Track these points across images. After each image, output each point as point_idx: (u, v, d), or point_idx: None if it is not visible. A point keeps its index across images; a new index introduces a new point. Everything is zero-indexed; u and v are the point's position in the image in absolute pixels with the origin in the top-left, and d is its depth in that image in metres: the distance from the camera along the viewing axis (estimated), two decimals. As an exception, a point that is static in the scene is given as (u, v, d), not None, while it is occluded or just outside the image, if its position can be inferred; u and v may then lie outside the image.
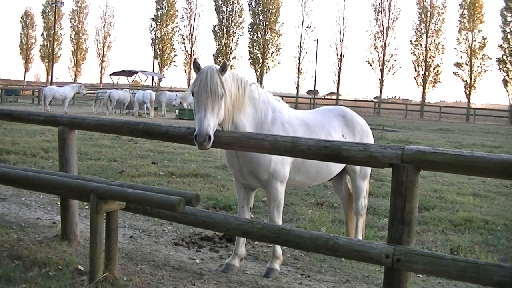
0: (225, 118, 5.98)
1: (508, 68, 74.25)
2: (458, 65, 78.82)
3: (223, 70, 5.87)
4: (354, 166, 7.25)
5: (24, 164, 13.51)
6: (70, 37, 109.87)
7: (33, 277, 5.91)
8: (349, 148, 4.99)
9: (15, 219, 8.62)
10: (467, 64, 77.92)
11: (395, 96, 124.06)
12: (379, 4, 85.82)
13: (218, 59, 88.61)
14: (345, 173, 7.58)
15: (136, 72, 57.08)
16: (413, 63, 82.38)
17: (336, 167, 7.21)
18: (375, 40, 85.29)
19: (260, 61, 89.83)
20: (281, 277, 6.67)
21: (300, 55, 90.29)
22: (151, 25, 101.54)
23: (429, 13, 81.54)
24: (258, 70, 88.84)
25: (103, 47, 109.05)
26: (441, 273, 4.54)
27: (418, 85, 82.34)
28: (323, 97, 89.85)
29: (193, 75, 6.20)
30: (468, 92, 78.02)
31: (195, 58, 6.24)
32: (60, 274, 6.01)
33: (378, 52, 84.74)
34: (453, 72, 79.45)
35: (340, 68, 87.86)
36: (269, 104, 6.53)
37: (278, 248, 6.73)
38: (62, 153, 7.46)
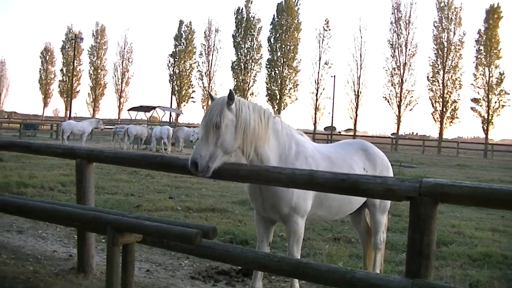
0: (246, 148, 5.96)
1: (525, 103, 74.18)
2: (475, 100, 78.75)
3: (230, 99, 5.91)
4: (374, 200, 7.21)
5: (41, 198, 13.52)
6: (89, 72, 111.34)
7: (49, 309, 5.90)
8: (366, 181, 4.96)
9: (31, 252, 8.64)
10: (484, 100, 77.84)
11: (413, 132, 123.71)
12: (396, 41, 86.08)
13: (236, 95, 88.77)
14: (364, 207, 7.52)
15: (154, 108, 57.40)
16: (430, 99, 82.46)
17: (358, 201, 7.17)
18: (392, 77, 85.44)
19: (278, 97, 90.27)
20: (298, 312, 6.61)
21: (317, 91, 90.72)
22: (169, 61, 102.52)
23: (445, 49, 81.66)
24: (276, 106, 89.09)
25: (121, 82, 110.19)
26: (460, 308, 4.49)
27: (435, 121, 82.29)
28: (339, 133, 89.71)
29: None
30: (485, 128, 77.78)
31: (209, 91, 6.34)
32: (76, 306, 6.00)
33: (395, 88, 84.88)
34: (471, 108, 79.41)
35: (357, 104, 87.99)
36: (292, 138, 6.50)
37: (296, 283, 6.66)
38: (79, 186, 7.49)
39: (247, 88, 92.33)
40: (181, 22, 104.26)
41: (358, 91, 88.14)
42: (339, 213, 7.14)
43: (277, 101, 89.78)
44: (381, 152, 7.70)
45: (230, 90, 6.01)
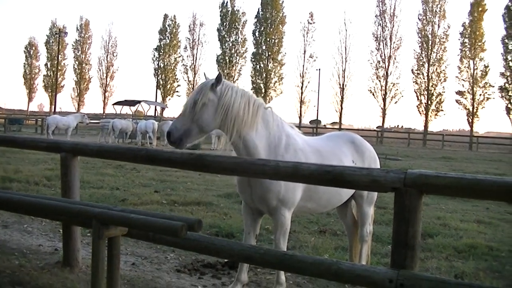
0: (228, 130, 6.16)
1: (510, 95, 74.46)
2: (460, 93, 79.10)
3: (217, 81, 6.11)
4: (361, 191, 7.25)
5: (26, 192, 13.45)
6: (74, 67, 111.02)
7: (34, 303, 5.88)
8: (352, 172, 4.96)
9: (17, 246, 8.61)
10: (469, 93, 78.25)
11: (398, 125, 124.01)
12: (380, 34, 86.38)
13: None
14: (351, 198, 7.56)
15: (139, 102, 57.10)
16: (415, 92, 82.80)
17: (347, 193, 7.22)
18: (377, 70, 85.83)
19: (263, 90, 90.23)
20: (284, 304, 6.62)
21: (302, 84, 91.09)
22: (154, 55, 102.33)
23: (430, 42, 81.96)
24: (261, 99, 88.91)
25: (106, 77, 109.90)
26: (446, 298, 4.50)
27: (420, 113, 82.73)
28: (324, 126, 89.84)
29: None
30: (470, 120, 78.16)
31: (204, 74, 6.47)
32: (62, 300, 5.98)
33: (380, 81, 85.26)
34: (456, 101, 79.77)
35: (342, 97, 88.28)
36: (283, 130, 6.56)
37: (282, 275, 6.68)
38: (64, 179, 7.45)
39: (232, 81, 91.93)
40: (165, 16, 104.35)
41: (343, 84, 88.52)
42: (328, 205, 7.19)
43: (262, 95, 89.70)
44: (369, 144, 7.78)
45: (219, 72, 6.22)
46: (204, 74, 6.50)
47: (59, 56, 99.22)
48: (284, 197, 6.32)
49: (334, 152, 7.06)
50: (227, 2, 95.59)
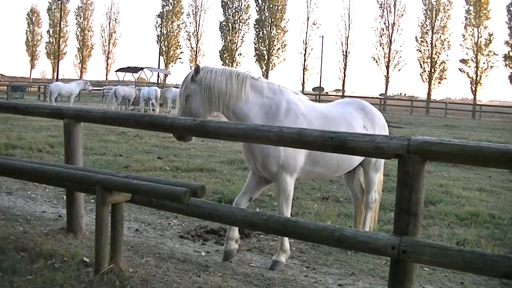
0: (218, 108, 6.56)
1: (514, 64, 74.08)
2: (464, 61, 78.55)
3: (196, 72, 6.48)
4: (369, 157, 7.26)
5: (30, 159, 13.47)
6: (76, 34, 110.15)
7: (38, 268, 5.92)
8: (355, 139, 4.94)
9: (21, 212, 8.66)
10: (473, 61, 77.59)
11: (401, 93, 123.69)
12: (385, 1, 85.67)
13: (224, 55, 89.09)
14: (359, 165, 7.58)
15: (142, 69, 56.90)
16: (419, 60, 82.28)
17: (357, 158, 7.24)
18: (381, 37, 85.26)
19: (266, 57, 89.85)
20: (287, 270, 6.67)
21: (305, 51, 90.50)
22: (157, 22, 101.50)
23: (434, 9, 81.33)
24: (264, 66, 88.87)
25: (109, 44, 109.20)
26: (448, 265, 4.51)
27: (423, 81, 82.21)
28: (327, 94, 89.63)
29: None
30: (474, 89, 77.74)
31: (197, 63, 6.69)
32: (66, 265, 6.02)
33: (383, 49, 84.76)
34: (459, 69, 79.22)
35: (345, 65, 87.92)
36: (282, 96, 6.64)
37: (286, 242, 6.74)
38: (68, 146, 7.45)
39: (235, 48, 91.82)
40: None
41: (346, 51, 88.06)
42: (338, 170, 7.24)
43: (265, 62, 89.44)
44: (378, 111, 7.82)
45: (196, 64, 6.61)
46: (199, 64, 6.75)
47: (61, 23, 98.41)
48: (285, 162, 6.40)
49: (344, 117, 7.11)
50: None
